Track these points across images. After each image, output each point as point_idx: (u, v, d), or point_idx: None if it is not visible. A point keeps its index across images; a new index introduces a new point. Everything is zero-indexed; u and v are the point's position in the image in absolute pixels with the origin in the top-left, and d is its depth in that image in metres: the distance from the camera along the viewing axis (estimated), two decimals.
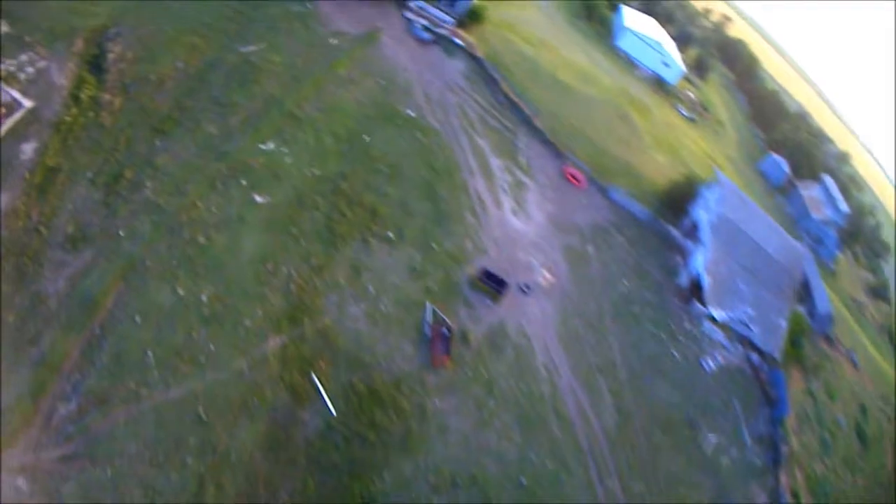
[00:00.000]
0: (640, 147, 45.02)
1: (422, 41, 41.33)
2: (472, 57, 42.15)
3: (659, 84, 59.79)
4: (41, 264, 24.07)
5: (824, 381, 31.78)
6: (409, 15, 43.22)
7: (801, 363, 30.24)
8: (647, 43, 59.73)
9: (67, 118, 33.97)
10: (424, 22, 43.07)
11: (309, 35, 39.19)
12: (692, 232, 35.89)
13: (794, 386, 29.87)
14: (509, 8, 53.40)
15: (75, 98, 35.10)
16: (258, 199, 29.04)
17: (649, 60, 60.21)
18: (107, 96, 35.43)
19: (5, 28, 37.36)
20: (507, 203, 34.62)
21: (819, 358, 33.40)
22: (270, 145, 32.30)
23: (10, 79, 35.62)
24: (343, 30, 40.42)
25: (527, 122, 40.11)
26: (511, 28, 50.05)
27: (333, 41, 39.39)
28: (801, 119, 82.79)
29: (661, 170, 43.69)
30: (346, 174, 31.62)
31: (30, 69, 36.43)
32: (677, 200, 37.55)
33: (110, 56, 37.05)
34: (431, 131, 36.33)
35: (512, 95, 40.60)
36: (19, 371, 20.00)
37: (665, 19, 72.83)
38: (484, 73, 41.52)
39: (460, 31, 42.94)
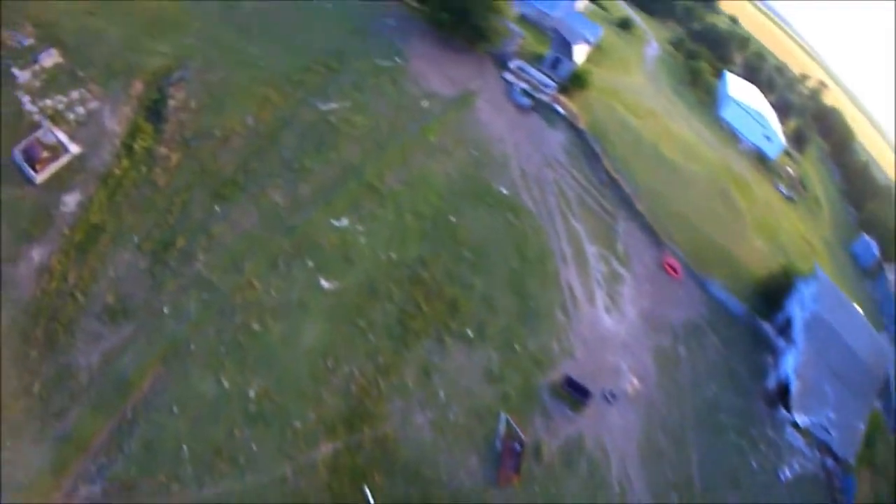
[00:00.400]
0: (740, 231, 45.33)
1: (521, 107, 42.05)
2: (574, 127, 42.56)
3: (759, 158, 60.77)
4: (74, 334, 24.11)
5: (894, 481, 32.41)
6: (509, 77, 44.19)
7: (873, 463, 32.43)
8: (750, 115, 62.34)
9: (117, 171, 32.76)
10: (524, 85, 44.12)
11: (398, 95, 40.08)
12: (785, 329, 36.63)
13: (863, 488, 31.46)
14: (615, 71, 56.59)
15: (128, 148, 34.04)
16: (325, 283, 28.64)
17: (751, 133, 62.14)
18: (163, 150, 34.77)
19: (57, 59, 36.58)
20: (601, 298, 34.20)
21: (891, 456, 34.40)
22: (344, 221, 32.30)
23: (57, 117, 34.03)
24: (436, 90, 41.34)
25: (627, 204, 40.10)
26: (615, 95, 51.50)
27: (424, 103, 40.26)
28: (891, 195, 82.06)
29: (758, 257, 43.76)
30: (426, 260, 30.97)
31: (80, 109, 35.30)
32: (773, 293, 38.41)
33: (171, 103, 36.91)
34: (525, 212, 35.99)
35: (613, 173, 40.99)
36: (42, 445, 20.42)
37: (765, 85, 78.62)
38: (585, 146, 41.87)
39: (562, 98, 43.88)
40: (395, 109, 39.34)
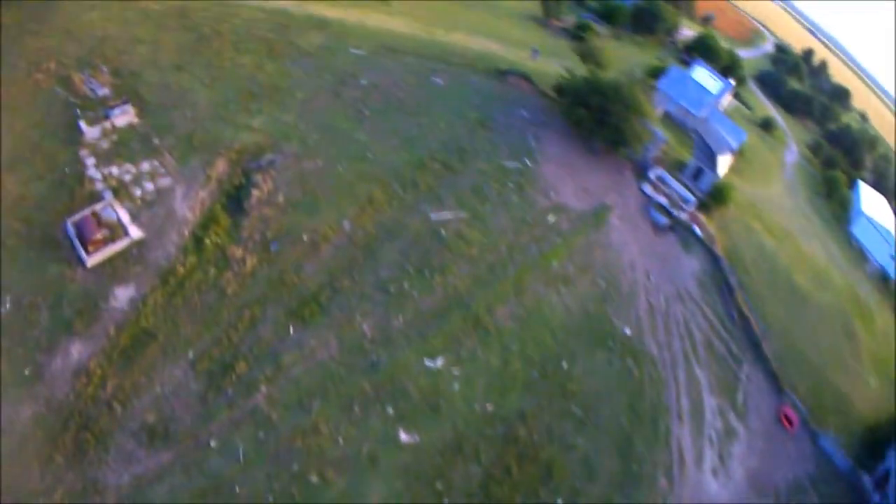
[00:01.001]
0: (857, 369, 50.32)
1: (658, 226, 47.08)
2: (710, 253, 47.97)
3: (884, 280, 67.35)
4: (106, 448, 26.75)
5: None
6: (648, 189, 50.21)
7: None
8: (879, 233, 71.75)
9: (181, 268, 35.59)
10: (663, 200, 49.91)
11: (523, 205, 44.39)
12: (882, 483, 41.43)
13: None
14: (755, 181, 65.13)
15: (198, 242, 37.17)
16: (403, 436, 30.46)
17: (879, 252, 70.18)
18: (238, 251, 37.56)
19: (132, 118, 41.36)
20: (710, 458, 37.42)
21: None
22: (439, 362, 34.32)
23: (121, 191, 37.99)
24: (566, 202, 46.02)
25: (755, 346, 44.62)
26: (755, 211, 59.06)
27: (551, 218, 44.73)
28: None
29: (870, 398, 48.56)
30: (527, 414, 33.18)
31: (149, 185, 39.31)
32: (878, 441, 43.21)
33: (256, 193, 40.74)
34: (646, 358, 39.22)
35: (745, 309, 45.72)
36: None
37: (893, 194, 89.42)
38: (719, 276, 46.99)
39: (701, 217, 50.05)
40: (518, 224, 42.79)
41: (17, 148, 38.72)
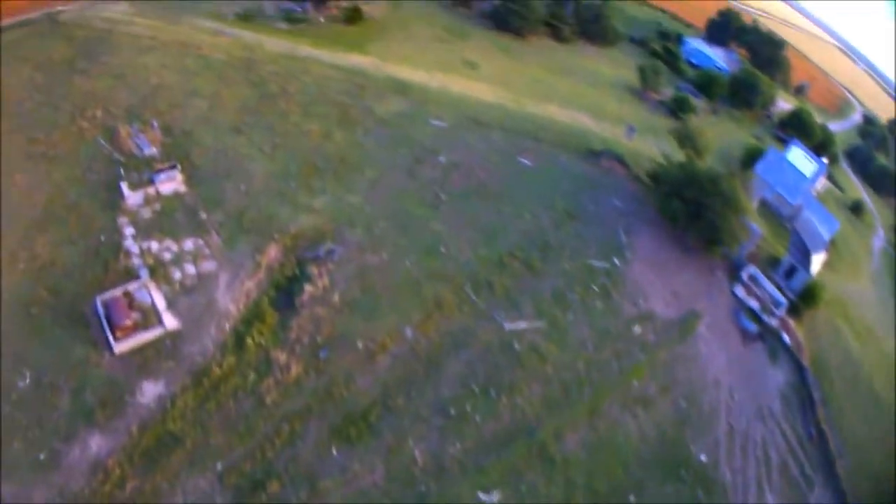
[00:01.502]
0: None
1: (746, 334, 51.95)
2: (797, 363, 52.77)
3: None
4: None
5: None
6: (740, 292, 54.96)
7: None
8: None
9: (217, 368, 38.56)
10: (754, 304, 54.56)
11: (607, 314, 47.49)
12: None
13: None
14: (845, 274, 70.28)
15: (239, 340, 40.34)
16: None
17: None
18: (283, 355, 40.33)
19: (180, 185, 46.48)
20: None
21: None
22: (494, 497, 36.27)
23: (159, 271, 42.21)
24: (653, 309, 49.50)
25: (828, 465, 48.20)
26: (842, 309, 63.78)
27: (637, 329, 48.08)
28: None
29: None
30: None
31: (191, 268, 43.41)
32: None
33: (309, 289, 44.19)
34: (718, 489, 41.79)
35: (824, 425, 49.78)
36: None
37: None
38: (803, 390, 51.31)
39: (790, 323, 54.77)
40: (600, 337, 46.01)
41: (51, 204, 44.39)
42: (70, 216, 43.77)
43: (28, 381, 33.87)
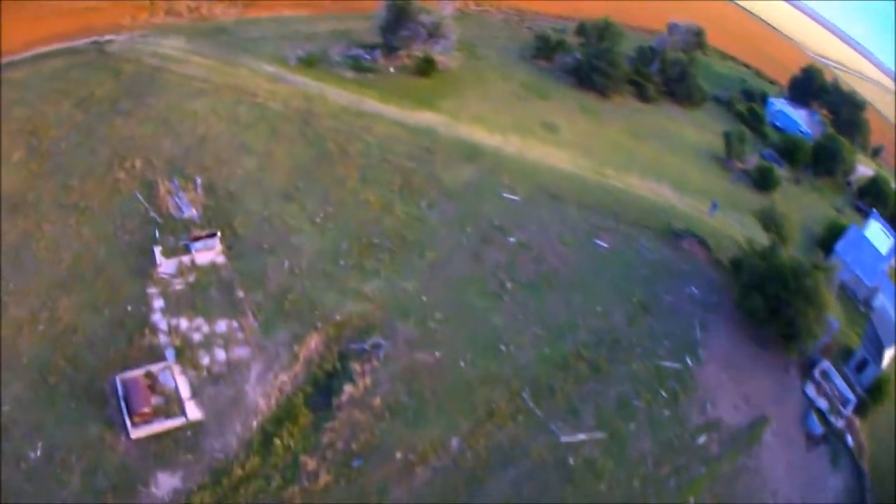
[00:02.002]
0: None
1: (811, 437, 56.31)
2: (856, 468, 56.73)
3: None
4: None
5: None
6: (811, 392, 59.64)
7: None
8: None
9: (240, 469, 41.83)
10: (823, 404, 59.28)
11: (672, 423, 50.75)
12: None
13: None
14: None
15: (266, 440, 44.00)
16: None
17: None
18: (313, 462, 42.43)
19: (217, 256, 52.16)
20: None
21: None
22: None
23: (186, 354, 47.17)
24: (721, 417, 53.05)
25: None
26: None
27: (702, 439, 51.00)
28: None
29: None
30: None
31: (221, 354, 48.15)
32: None
33: (349, 389, 47.24)
34: None
35: None
36: None
37: None
38: (859, 498, 55.17)
39: (856, 423, 59.54)
40: (661, 450, 49.61)
41: (78, 262, 50.43)
42: (97, 279, 49.61)
43: (39, 453, 38.64)
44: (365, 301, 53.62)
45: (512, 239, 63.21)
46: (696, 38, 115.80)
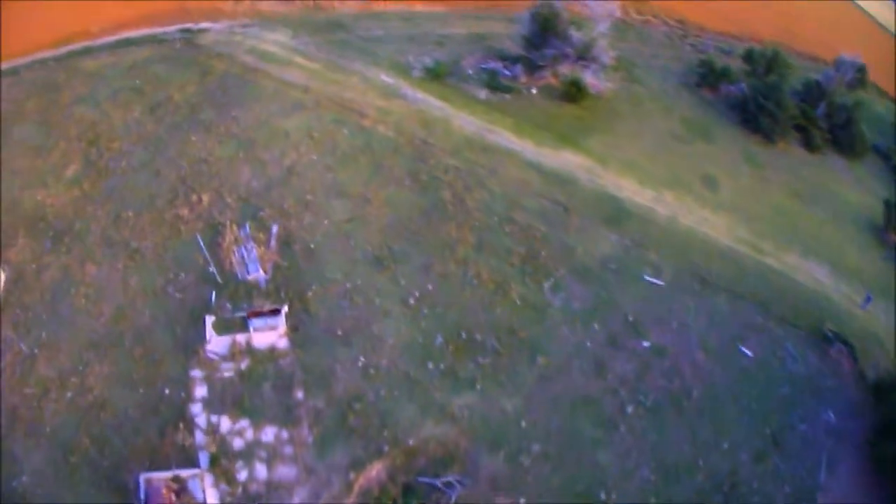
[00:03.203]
0: None
1: None
2: None
3: None
4: None
5: None
6: None
7: None
8: None
9: None
10: None
11: None
12: None
13: None
14: None
15: None
16: None
17: None
18: None
19: (279, 339, 50.57)
20: None
21: None
22: None
23: (221, 461, 45.80)
24: None
25: None
26: None
27: None
28: None
29: None
30: None
31: (262, 469, 45.80)
32: None
33: None
34: None
35: None
36: None
37: None
38: None
39: None
40: None
41: (120, 320, 50.62)
42: (136, 347, 49.37)
43: None
44: (449, 422, 50.67)
45: (646, 343, 58.58)
46: (859, 75, 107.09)
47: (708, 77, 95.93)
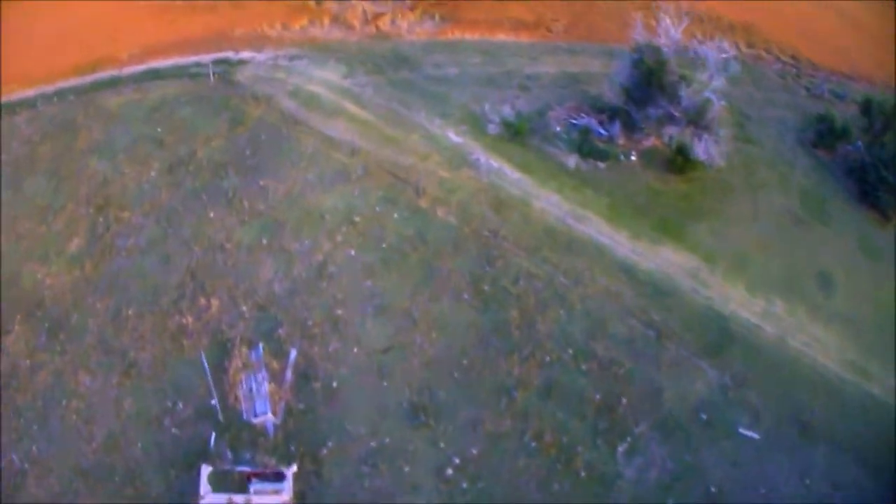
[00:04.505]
0: None
1: None
2: None
3: None
4: None
5: None
6: None
7: None
8: None
9: None
10: None
11: None
12: None
13: None
14: None
15: None
16: None
17: None
18: None
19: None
20: None
21: None
22: None
23: None
24: None
25: None
26: None
27: None
28: None
29: None
30: None
31: None
32: None
33: None
34: None
35: None
36: None
37: None
38: None
39: None
40: None
41: (110, 451, 47.63)
42: (127, 485, 46.71)
43: None
44: None
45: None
46: None
47: (825, 136, 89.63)
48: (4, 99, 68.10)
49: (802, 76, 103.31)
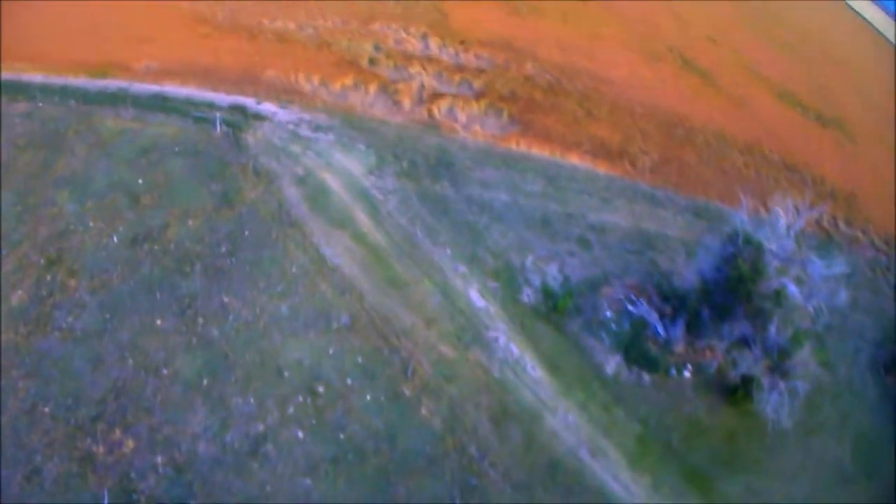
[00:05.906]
0: None
1: None
2: None
3: None
4: None
5: None
6: None
7: None
8: None
9: None
10: None
11: None
12: None
13: None
14: None
15: None
16: None
17: None
18: None
19: None
20: None
21: None
22: None
23: None
24: None
25: None
26: None
27: None
28: None
29: None
30: None
31: None
32: None
33: None
34: None
35: None
36: None
37: None
38: None
39: None
40: None
41: None
42: None
43: None
44: None
45: None
46: None
47: None
48: (11, 77, 69.53)
49: (892, 268, 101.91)
